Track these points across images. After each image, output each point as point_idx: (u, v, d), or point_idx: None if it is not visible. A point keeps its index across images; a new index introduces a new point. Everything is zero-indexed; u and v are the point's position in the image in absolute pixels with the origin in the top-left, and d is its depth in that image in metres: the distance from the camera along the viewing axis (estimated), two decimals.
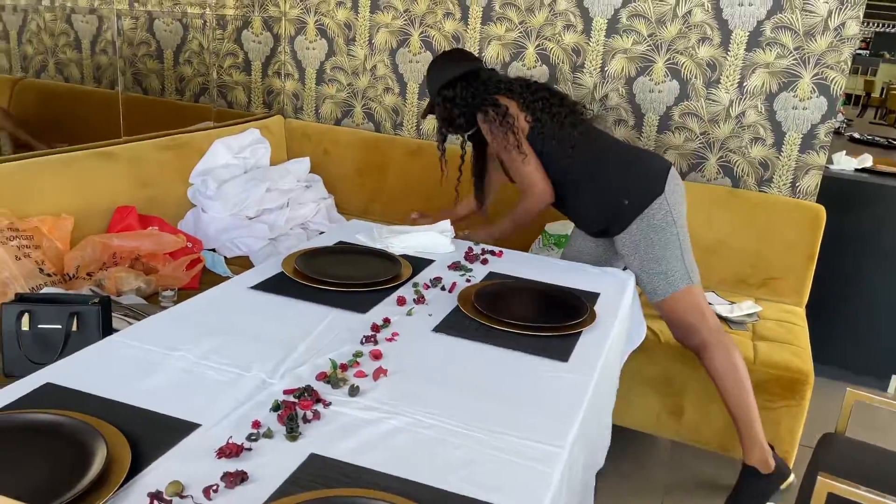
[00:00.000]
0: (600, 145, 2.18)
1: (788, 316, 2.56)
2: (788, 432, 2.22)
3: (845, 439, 1.84)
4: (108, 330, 1.74)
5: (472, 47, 3.08)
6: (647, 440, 2.59)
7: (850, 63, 2.63)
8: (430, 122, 3.24)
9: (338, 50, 3.33)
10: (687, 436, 2.36)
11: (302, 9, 3.33)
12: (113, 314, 1.85)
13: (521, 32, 2.99)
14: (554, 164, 2.14)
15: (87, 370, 1.29)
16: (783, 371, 2.20)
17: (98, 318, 1.74)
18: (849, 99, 12.50)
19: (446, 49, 2.94)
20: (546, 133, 2.11)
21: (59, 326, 1.71)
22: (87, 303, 1.75)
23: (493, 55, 3.05)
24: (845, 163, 3.15)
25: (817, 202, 2.75)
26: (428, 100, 2.32)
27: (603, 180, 2.11)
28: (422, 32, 3.15)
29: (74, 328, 1.71)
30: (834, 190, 2.91)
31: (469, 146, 2.32)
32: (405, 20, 3.16)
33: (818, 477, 1.37)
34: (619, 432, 2.32)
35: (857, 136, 4.13)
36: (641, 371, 2.31)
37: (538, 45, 2.98)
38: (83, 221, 2.31)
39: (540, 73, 3.01)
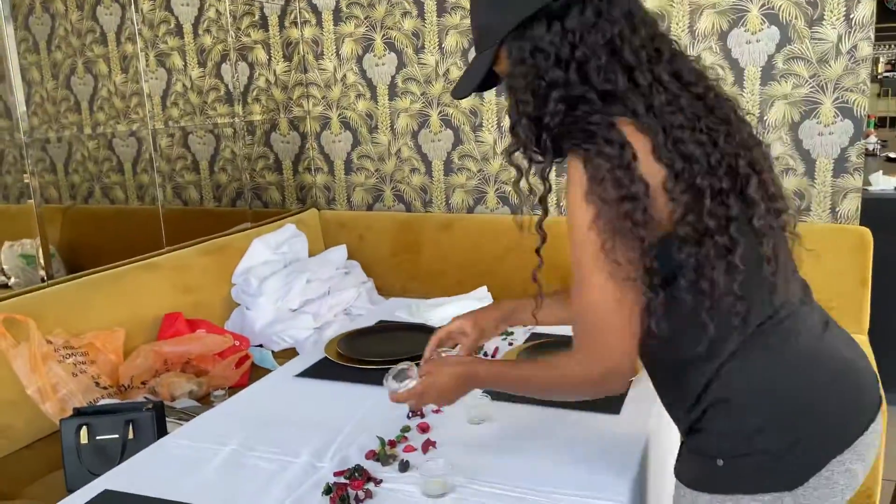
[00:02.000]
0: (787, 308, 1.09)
1: None
2: (870, 468, 2.09)
3: None
4: (163, 434, 1.77)
5: (489, 121, 3.16)
6: None
7: (869, 84, 2.61)
8: (459, 196, 3.30)
9: (362, 139, 3.45)
10: None
11: (324, 105, 3.48)
12: (167, 419, 1.88)
13: None
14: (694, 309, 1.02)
15: (141, 473, 1.31)
16: None
17: (153, 423, 1.77)
18: (883, 122, 12.30)
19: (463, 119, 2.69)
20: (693, 224, 1.00)
21: (117, 436, 1.74)
22: (141, 409, 1.78)
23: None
24: (884, 182, 3.08)
25: (861, 225, 2.68)
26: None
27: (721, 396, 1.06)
28: (440, 112, 3.25)
29: (131, 436, 1.74)
30: (878, 211, 2.84)
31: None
32: (423, 103, 3.27)
33: None
34: None
35: (892, 155, 4.05)
36: None
37: None
38: (134, 332, 2.38)
39: None
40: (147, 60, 2.80)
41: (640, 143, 0.99)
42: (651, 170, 0.98)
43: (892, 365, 2.54)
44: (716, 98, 1.10)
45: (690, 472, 1.10)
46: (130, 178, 2.86)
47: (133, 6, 2.69)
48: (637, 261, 0.98)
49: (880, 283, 2.63)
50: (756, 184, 1.05)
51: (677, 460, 1.14)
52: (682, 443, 1.15)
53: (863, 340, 2.51)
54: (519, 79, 1.06)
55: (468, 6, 1.15)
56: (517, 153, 1.11)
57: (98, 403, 2.02)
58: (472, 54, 3.11)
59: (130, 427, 1.74)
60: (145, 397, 2.15)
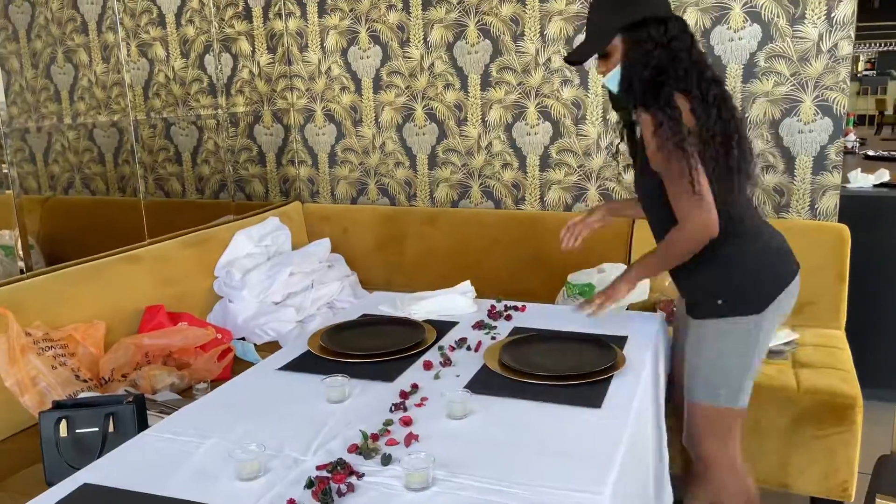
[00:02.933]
0: (750, 213, 1.80)
1: (828, 340, 2.49)
2: (845, 462, 2.13)
3: None
4: (144, 427, 1.76)
5: (474, 116, 3.17)
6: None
7: (848, 82, 2.64)
8: (444, 190, 3.30)
9: (346, 132, 3.44)
10: None
11: (308, 98, 3.47)
12: (149, 412, 1.87)
13: (520, 93, 3.07)
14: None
15: (122, 467, 1.30)
16: (829, 396, 2.13)
17: (133, 416, 1.76)
18: (862, 119, 12.47)
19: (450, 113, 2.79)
20: (709, 167, 1.63)
21: (97, 429, 1.73)
22: (121, 402, 1.77)
23: (495, 118, 3.13)
24: (862, 180, 3.12)
25: (839, 222, 2.72)
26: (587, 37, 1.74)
27: (732, 257, 1.73)
28: (425, 105, 3.25)
29: (111, 429, 1.73)
30: (856, 208, 2.87)
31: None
32: (408, 96, 3.27)
33: (876, 499, 1.31)
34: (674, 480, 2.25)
35: (871, 153, 4.10)
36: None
37: (538, 104, 3.05)
38: (115, 325, 2.36)
39: (542, 130, 3.08)
40: (129, 50, 2.77)
41: (684, 104, 1.62)
42: (689, 121, 1.62)
43: (867, 360, 2.58)
44: (724, 91, 1.71)
45: (701, 311, 1.78)
46: (111, 169, 2.83)
47: None
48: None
49: (856, 279, 2.67)
50: (737, 139, 1.68)
51: (691, 307, 1.83)
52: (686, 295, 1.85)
53: (840, 336, 2.55)
54: (639, 54, 1.64)
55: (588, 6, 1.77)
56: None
57: (78, 396, 2.01)
58: (461, 48, 3.11)
59: (111, 420, 1.73)
60: (126, 390, 2.14)
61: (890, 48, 14.13)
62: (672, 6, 1.87)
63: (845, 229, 2.64)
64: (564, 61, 1.82)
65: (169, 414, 1.89)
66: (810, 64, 2.66)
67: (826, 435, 2.13)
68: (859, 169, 3.22)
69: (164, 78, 2.96)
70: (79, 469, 1.32)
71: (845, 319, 2.64)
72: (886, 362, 3.00)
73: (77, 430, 1.72)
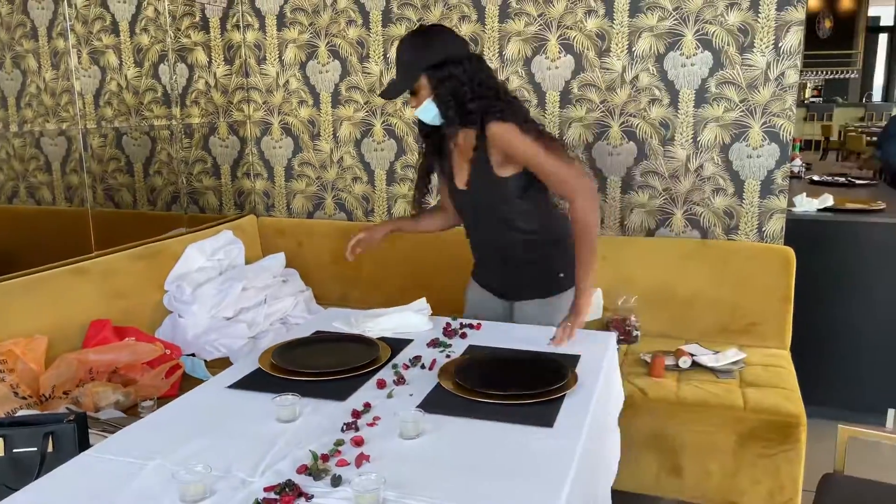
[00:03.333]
0: (554, 205, 2.13)
1: (774, 360, 2.56)
2: (790, 479, 2.18)
3: (845, 478, 1.81)
4: (85, 447, 1.70)
5: None
6: (650, 502, 2.52)
7: (794, 109, 2.73)
8: (402, 206, 3.30)
9: (304, 146, 3.41)
10: (690, 493, 2.31)
11: (266, 111, 3.43)
12: (91, 431, 1.81)
13: None
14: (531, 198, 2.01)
15: (61, 489, 1.26)
16: (774, 416, 2.18)
17: (74, 435, 1.69)
18: (808, 144, 12.91)
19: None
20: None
21: (35, 449, 1.67)
22: (62, 421, 1.71)
23: None
24: (807, 204, 3.22)
25: (785, 244, 2.80)
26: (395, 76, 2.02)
27: (557, 239, 2.08)
28: (384, 121, 3.25)
29: (50, 449, 1.67)
30: (801, 232, 2.96)
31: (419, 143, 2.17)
32: (367, 111, 3.26)
33: None
34: (620, 497, 2.26)
35: (816, 178, 4.24)
36: (634, 431, 2.27)
37: None
38: (58, 340, 2.29)
39: None
40: (80, 57, 2.71)
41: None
42: None
43: (810, 380, 2.65)
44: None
45: (543, 287, 2.10)
46: (59, 179, 2.76)
47: (66, 1, 2.60)
48: None
49: (800, 300, 2.75)
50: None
51: (528, 288, 2.12)
52: (525, 275, 2.12)
53: (785, 356, 2.61)
54: (448, 89, 1.92)
55: (400, 45, 1.97)
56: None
57: (16, 414, 1.93)
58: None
59: (50, 440, 1.67)
60: (67, 408, 2.07)
61: (836, 76, 14.71)
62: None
63: (791, 252, 2.72)
64: (379, 96, 2.12)
65: (112, 433, 1.84)
66: (758, 91, 2.74)
67: (772, 453, 2.17)
68: (804, 193, 3.33)
69: (116, 86, 2.90)
70: (16, 490, 1.27)
71: (790, 339, 2.71)
72: (829, 381, 3.09)
73: (14, 450, 1.66)
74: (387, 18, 3.14)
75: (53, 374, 2.13)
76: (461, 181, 2.07)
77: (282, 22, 3.31)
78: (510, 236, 2.07)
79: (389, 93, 1.99)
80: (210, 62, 3.26)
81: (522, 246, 2.08)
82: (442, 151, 2.10)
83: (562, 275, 2.07)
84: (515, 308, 2.16)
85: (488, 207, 2.06)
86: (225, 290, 2.76)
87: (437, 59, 1.90)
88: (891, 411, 3.09)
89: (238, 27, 3.37)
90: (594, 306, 2.66)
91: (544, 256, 2.08)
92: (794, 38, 2.67)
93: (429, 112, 1.96)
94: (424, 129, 2.08)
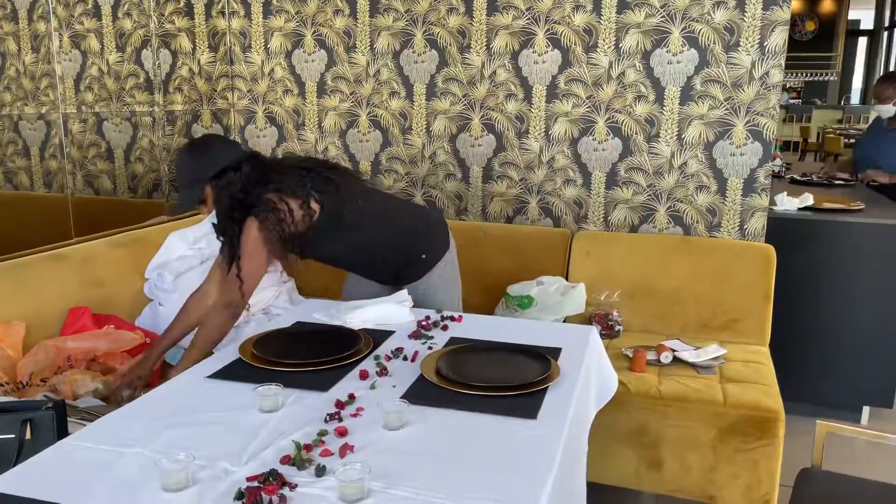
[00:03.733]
0: (389, 205, 2.39)
1: (753, 356, 2.58)
2: (768, 473, 2.21)
3: (822, 473, 1.84)
4: (63, 435, 1.68)
5: (418, 125, 3.17)
6: (630, 496, 2.54)
7: (778, 109, 2.76)
8: None
9: (288, 135, 3.39)
10: (669, 487, 2.33)
11: (250, 99, 3.40)
12: (70, 419, 1.78)
13: (465, 105, 3.09)
14: (347, 233, 2.17)
15: (39, 477, 1.24)
16: (753, 411, 2.21)
17: (53, 423, 1.67)
18: (787, 145, 13.06)
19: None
20: (336, 209, 2.11)
21: (13, 436, 1.64)
22: (40, 408, 1.68)
23: (439, 128, 3.14)
24: (788, 203, 3.26)
25: (766, 242, 2.83)
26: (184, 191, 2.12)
27: (401, 237, 2.29)
28: (369, 112, 3.23)
29: (28, 436, 1.64)
30: (781, 230, 3.00)
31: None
32: (352, 102, 3.25)
33: None
34: (599, 490, 2.28)
35: (797, 177, 4.29)
36: (615, 425, 2.29)
37: (482, 116, 3.08)
38: (36, 327, 2.25)
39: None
40: (61, 41, 2.66)
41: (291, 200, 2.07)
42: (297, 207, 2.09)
43: (789, 376, 2.68)
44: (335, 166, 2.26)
45: (417, 274, 2.31)
46: (37, 164, 2.71)
47: None
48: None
49: (780, 298, 2.78)
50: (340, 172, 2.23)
51: (408, 278, 2.30)
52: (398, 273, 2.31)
53: (764, 352, 2.64)
54: (226, 196, 2.04)
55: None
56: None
57: None
58: (407, 57, 3.10)
59: (28, 427, 1.64)
60: (45, 395, 2.04)
61: (815, 79, 14.89)
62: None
63: (772, 250, 2.75)
64: (174, 212, 2.20)
65: (91, 421, 1.82)
66: (743, 90, 2.77)
67: (750, 448, 2.20)
68: (785, 192, 3.36)
69: (97, 71, 2.85)
70: None
71: (770, 336, 2.75)
72: (807, 378, 3.13)
73: None
74: (374, 9, 3.12)
75: (31, 361, 2.10)
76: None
77: (268, 10, 3.28)
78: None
79: (184, 205, 2.11)
80: (194, 49, 3.22)
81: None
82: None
83: (424, 256, 2.33)
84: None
85: (354, 259, 2.38)
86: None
87: (216, 169, 2.02)
88: (866, 408, 3.15)
89: (223, 14, 3.33)
90: (576, 302, 2.67)
91: (389, 258, 2.31)
92: (779, 38, 2.69)
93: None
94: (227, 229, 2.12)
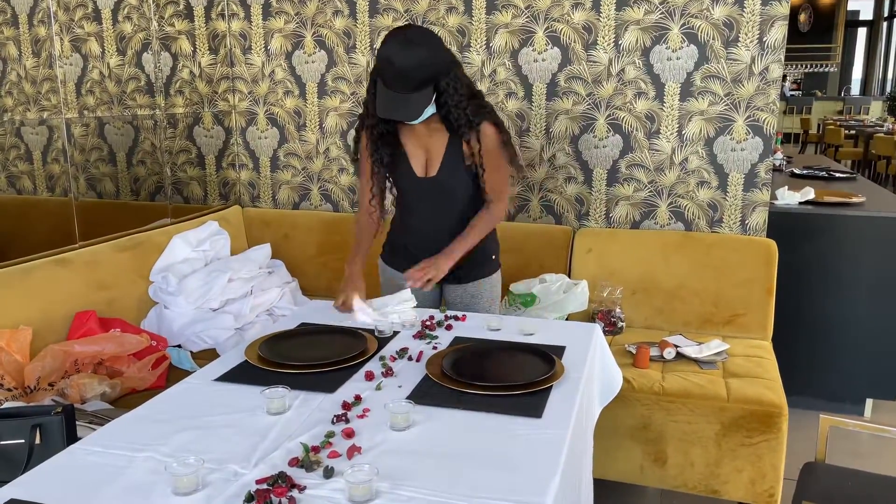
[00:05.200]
0: None
1: (756, 350, 2.59)
2: (771, 467, 2.22)
3: (826, 467, 1.85)
4: (73, 439, 1.69)
5: None
6: (634, 491, 2.56)
7: (777, 104, 2.76)
8: (388, 198, 3.29)
9: (290, 136, 3.40)
10: (673, 482, 2.34)
11: (251, 101, 3.41)
12: (78, 422, 1.80)
13: None
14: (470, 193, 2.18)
15: (50, 482, 1.25)
16: (757, 405, 2.22)
17: (62, 427, 1.69)
18: (788, 137, 13.05)
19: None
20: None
21: (23, 441, 1.66)
22: (49, 413, 1.70)
23: None
24: (789, 197, 3.26)
25: (768, 237, 2.84)
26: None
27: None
28: None
29: (38, 441, 1.66)
30: (782, 224, 3.00)
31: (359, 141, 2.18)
32: (353, 102, 3.25)
33: None
34: (604, 486, 2.30)
35: (797, 171, 4.29)
36: (619, 421, 2.31)
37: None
38: (43, 331, 2.27)
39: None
40: (61, 45, 2.67)
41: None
42: None
43: (791, 369, 2.70)
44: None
45: (476, 269, 2.24)
46: (39, 168, 2.72)
47: None
48: None
49: (782, 292, 2.79)
50: None
51: (462, 271, 2.19)
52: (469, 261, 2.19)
53: (767, 347, 2.65)
54: (453, 93, 1.99)
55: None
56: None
57: (2, 406, 1.92)
58: None
59: (38, 432, 1.66)
60: (53, 400, 2.05)
61: (815, 70, 14.86)
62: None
63: (773, 244, 2.76)
64: (389, 117, 1.99)
65: (100, 425, 1.83)
66: (742, 85, 2.77)
67: (755, 442, 2.21)
68: (786, 186, 3.37)
69: (98, 75, 2.86)
70: (4, 483, 1.26)
71: (772, 331, 2.76)
72: (809, 371, 3.14)
73: (1, 442, 1.64)
74: (374, 9, 3.13)
75: (38, 365, 2.12)
76: (421, 168, 2.14)
77: (267, 11, 3.29)
78: (457, 222, 2.16)
79: (412, 112, 1.97)
80: (194, 51, 3.23)
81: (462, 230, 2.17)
82: (394, 141, 2.14)
83: (494, 256, 2.29)
84: (446, 290, 2.29)
85: (449, 194, 2.16)
86: (211, 282, 2.75)
87: (444, 68, 1.95)
88: (869, 400, 3.16)
89: (223, 16, 3.34)
90: (578, 299, 2.68)
91: (482, 241, 2.21)
92: (779, 33, 2.69)
93: (425, 116, 2.01)
94: (369, 122, 2.09)
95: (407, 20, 3.08)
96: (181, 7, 3.16)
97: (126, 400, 2.17)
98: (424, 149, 2.12)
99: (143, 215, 3.04)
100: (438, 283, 2.17)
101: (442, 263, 2.08)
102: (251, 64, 3.37)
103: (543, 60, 2.97)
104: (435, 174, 2.12)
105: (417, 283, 2.05)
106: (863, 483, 1.78)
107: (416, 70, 1.89)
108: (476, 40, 3.03)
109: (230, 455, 1.32)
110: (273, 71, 3.34)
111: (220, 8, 3.32)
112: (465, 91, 2.02)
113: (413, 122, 2.03)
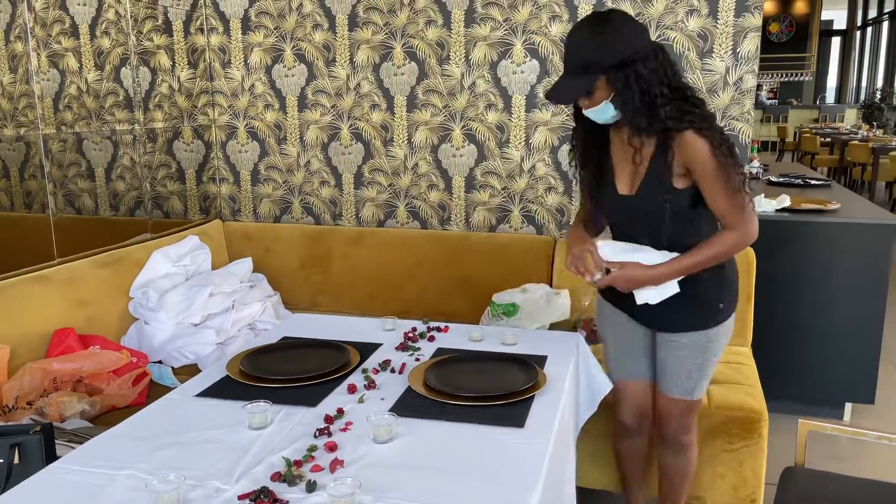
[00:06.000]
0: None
1: (736, 357, 2.62)
2: (752, 473, 2.24)
3: (806, 471, 1.87)
4: (52, 458, 1.67)
5: (400, 137, 3.19)
6: (618, 500, 2.56)
7: (752, 113, 2.80)
8: (370, 210, 3.30)
9: (270, 150, 3.39)
10: (656, 490, 2.35)
11: (231, 115, 3.41)
12: (57, 441, 1.78)
13: (446, 116, 3.11)
14: (691, 223, 1.79)
15: (30, 502, 1.24)
16: (738, 411, 2.24)
17: (41, 446, 1.67)
18: (765, 146, 13.22)
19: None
20: None
21: (1, 461, 1.64)
22: (28, 432, 1.68)
23: (421, 139, 3.16)
24: (765, 205, 3.31)
25: None
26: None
27: (717, 265, 1.83)
28: (351, 125, 3.25)
29: (17, 460, 1.64)
30: (760, 232, 3.02)
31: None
32: (333, 115, 3.26)
33: None
34: (587, 495, 2.30)
35: (774, 179, 4.35)
36: (602, 429, 2.31)
37: (463, 126, 3.10)
38: (20, 349, 2.24)
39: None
40: (38, 61, 2.66)
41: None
42: None
43: (772, 376, 2.73)
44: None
45: (699, 318, 1.87)
46: (17, 184, 2.70)
47: (25, 3, 2.55)
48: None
49: (759, 299, 2.82)
50: None
51: (681, 317, 1.86)
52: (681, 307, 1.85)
53: (746, 353, 2.68)
54: (628, 91, 1.65)
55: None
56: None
57: None
58: (387, 69, 3.12)
59: (16, 451, 1.64)
60: (32, 419, 2.03)
61: (791, 79, 15.10)
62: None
63: (752, 252, 2.79)
64: (546, 98, 1.78)
65: (80, 443, 1.81)
66: (718, 95, 2.81)
67: (735, 448, 2.23)
68: (763, 194, 3.41)
69: (76, 90, 2.85)
70: None
71: (752, 337, 2.78)
72: (788, 376, 3.18)
73: None
74: (353, 23, 3.14)
75: (16, 384, 2.09)
76: (625, 186, 1.83)
77: (246, 25, 3.29)
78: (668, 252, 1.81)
79: (562, 96, 1.75)
80: (173, 66, 3.23)
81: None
82: (602, 150, 1.86)
83: (721, 304, 1.87)
84: (661, 338, 1.93)
85: (648, 217, 1.80)
86: (192, 297, 2.74)
87: (620, 58, 1.63)
88: (848, 404, 3.20)
89: (202, 30, 3.34)
90: (560, 308, 2.70)
91: (702, 282, 1.83)
92: (752, 44, 2.74)
93: (605, 113, 1.72)
94: (586, 123, 1.81)
95: (386, 33, 3.10)
96: (159, 22, 3.16)
97: (106, 417, 2.15)
98: (630, 163, 1.78)
99: (123, 231, 3.02)
100: (650, 327, 1.93)
101: (636, 275, 1.78)
102: (231, 78, 3.36)
103: (522, 72, 3.00)
104: (633, 192, 1.80)
105: (585, 275, 1.80)
106: (842, 486, 1.80)
107: (575, 52, 1.68)
108: (455, 53, 3.05)
109: (212, 471, 1.31)
110: (253, 85, 3.34)
111: (198, 22, 3.31)
112: (657, 89, 1.64)
113: (602, 123, 1.75)
